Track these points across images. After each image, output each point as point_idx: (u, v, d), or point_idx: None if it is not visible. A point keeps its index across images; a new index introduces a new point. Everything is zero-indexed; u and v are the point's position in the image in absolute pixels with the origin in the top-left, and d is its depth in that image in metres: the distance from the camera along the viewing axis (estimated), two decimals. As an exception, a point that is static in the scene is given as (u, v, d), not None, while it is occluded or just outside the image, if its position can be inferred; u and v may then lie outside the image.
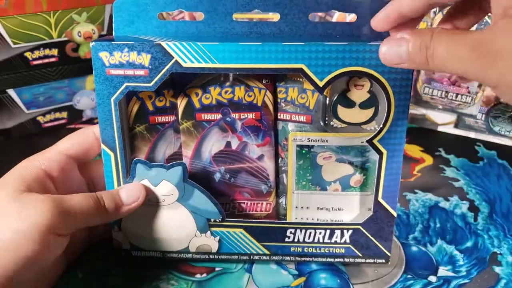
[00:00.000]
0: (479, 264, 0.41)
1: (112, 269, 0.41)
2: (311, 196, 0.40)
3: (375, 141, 0.35)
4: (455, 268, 0.41)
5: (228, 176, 0.40)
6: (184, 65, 0.33)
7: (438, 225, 0.46)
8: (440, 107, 0.60)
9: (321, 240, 0.39)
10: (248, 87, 0.38)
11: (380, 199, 0.37)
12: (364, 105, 0.37)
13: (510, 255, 0.42)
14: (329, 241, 0.39)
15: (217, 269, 0.41)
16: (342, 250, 0.40)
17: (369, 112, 0.37)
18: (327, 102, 0.37)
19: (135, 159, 0.37)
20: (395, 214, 0.38)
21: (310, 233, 0.39)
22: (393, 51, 0.29)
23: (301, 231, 0.39)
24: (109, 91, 0.35)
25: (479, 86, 0.56)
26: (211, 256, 0.41)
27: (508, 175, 0.53)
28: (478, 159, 0.56)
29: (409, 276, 0.40)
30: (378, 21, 0.30)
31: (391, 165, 0.36)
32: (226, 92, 0.37)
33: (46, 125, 0.61)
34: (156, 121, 0.39)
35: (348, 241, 0.39)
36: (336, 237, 0.39)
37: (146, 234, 0.40)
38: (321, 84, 0.34)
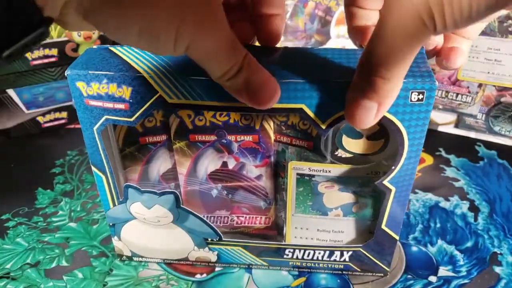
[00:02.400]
0: (479, 264, 0.41)
1: (112, 269, 0.41)
2: (311, 219, 0.39)
3: (384, 182, 0.33)
4: (455, 268, 0.41)
5: (226, 192, 0.39)
6: (169, 101, 0.30)
7: (438, 225, 0.46)
8: (440, 107, 0.60)
9: (320, 258, 0.39)
10: (245, 109, 0.33)
11: (383, 226, 0.35)
12: (372, 137, 0.33)
13: (510, 255, 0.42)
14: (328, 259, 0.39)
15: (217, 269, 0.41)
16: (341, 266, 0.39)
17: (378, 144, 0.34)
18: (331, 132, 0.34)
19: (125, 184, 0.36)
20: (397, 237, 0.36)
21: (309, 253, 0.38)
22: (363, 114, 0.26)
23: (299, 251, 0.39)
24: (91, 121, 0.32)
25: (479, 86, 0.56)
26: (210, 264, 0.41)
27: (508, 175, 0.53)
28: (478, 159, 0.56)
29: (409, 276, 0.40)
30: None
31: (399, 198, 0.34)
32: (221, 114, 0.34)
33: (46, 125, 0.61)
34: (147, 141, 0.37)
35: (347, 259, 0.39)
36: (336, 256, 0.38)
37: (145, 245, 0.40)
38: (323, 125, 0.30)
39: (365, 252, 0.38)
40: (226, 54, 0.24)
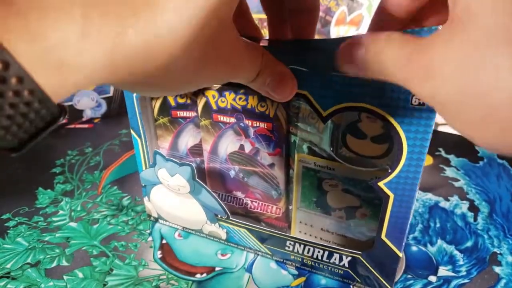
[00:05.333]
0: (479, 264, 0.41)
1: (112, 269, 0.41)
2: (315, 216, 0.39)
3: (380, 184, 0.31)
4: (455, 268, 0.41)
5: (242, 175, 0.41)
6: None
7: (438, 225, 0.46)
8: (440, 107, 0.60)
9: (319, 258, 0.39)
10: (261, 97, 0.36)
11: (383, 237, 0.34)
12: (376, 140, 0.33)
13: (510, 255, 0.42)
14: (327, 260, 0.39)
15: (217, 269, 0.41)
16: (341, 272, 0.39)
17: (382, 148, 0.33)
18: (335, 128, 0.34)
19: (155, 150, 0.40)
20: (400, 254, 0.34)
21: (309, 249, 0.39)
22: (347, 55, 0.24)
23: (300, 245, 0.39)
24: None
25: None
26: (221, 241, 0.43)
27: (508, 175, 0.53)
28: (478, 159, 0.56)
29: (409, 276, 0.40)
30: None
31: (399, 208, 0.32)
32: (240, 98, 0.37)
33: (46, 125, 0.61)
34: (178, 115, 0.41)
35: (346, 265, 0.38)
36: (335, 259, 0.38)
37: (169, 210, 0.44)
38: (324, 113, 0.31)
39: (365, 262, 0.37)
40: (246, 69, 0.26)
